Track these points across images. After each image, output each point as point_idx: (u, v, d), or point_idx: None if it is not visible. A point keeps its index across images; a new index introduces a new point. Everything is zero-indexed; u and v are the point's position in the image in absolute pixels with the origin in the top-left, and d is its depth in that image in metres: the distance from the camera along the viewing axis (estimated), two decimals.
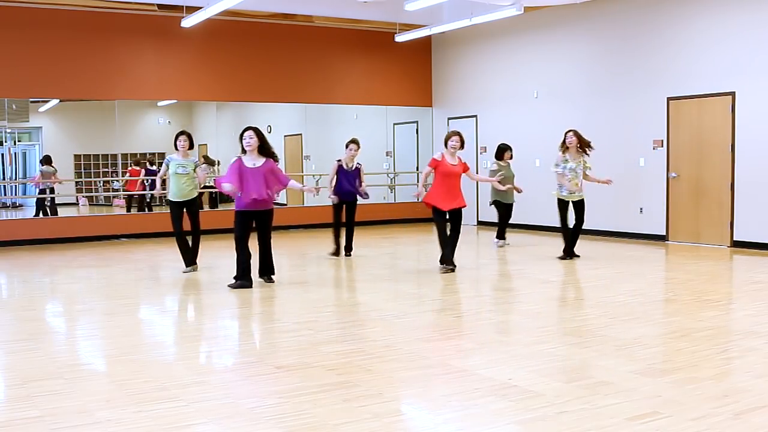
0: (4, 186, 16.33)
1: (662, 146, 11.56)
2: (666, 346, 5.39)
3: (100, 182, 15.65)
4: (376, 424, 3.68)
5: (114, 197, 15.84)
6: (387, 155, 16.41)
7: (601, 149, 12.58)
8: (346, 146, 10.24)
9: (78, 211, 15.65)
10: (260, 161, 7.70)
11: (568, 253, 9.78)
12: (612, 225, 12.42)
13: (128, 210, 15.16)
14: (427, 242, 12.63)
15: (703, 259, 9.75)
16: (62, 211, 15.10)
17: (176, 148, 8.92)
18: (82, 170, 16.52)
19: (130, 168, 14.96)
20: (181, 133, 9.02)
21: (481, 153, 14.93)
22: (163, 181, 9.12)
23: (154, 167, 14.61)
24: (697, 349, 5.10)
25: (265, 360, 5.08)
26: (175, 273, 9.03)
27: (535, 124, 13.69)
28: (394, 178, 16.32)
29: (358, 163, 10.23)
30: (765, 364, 4.75)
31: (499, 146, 11.43)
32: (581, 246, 11.17)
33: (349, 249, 10.31)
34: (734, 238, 10.66)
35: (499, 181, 10.52)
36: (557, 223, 10.06)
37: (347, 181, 10.07)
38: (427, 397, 4.25)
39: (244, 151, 7.73)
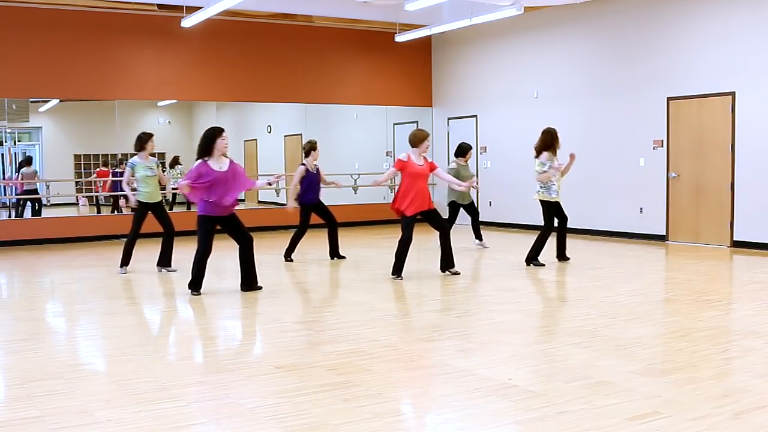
0: (4, 186, 16.33)
1: (662, 146, 11.56)
2: (666, 346, 5.39)
3: (99, 182, 15.63)
4: (376, 424, 3.68)
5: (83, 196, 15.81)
6: (387, 155, 16.41)
7: (601, 149, 12.61)
8: (313, 149, 9.85)
9: (78, 211, 15.66)
10: (225, 164, 7.35)
11: (537, 258, 9.18)
12: (612, 225, 12.41)
13: (98, 211, 15.15)
14: (427, 242, 12.63)
15: (703, 259, 9.74)
16: (62, 211, 15.11)
17: (143, 150, 8.87)
18: (82, 170, 16.52)
19: (98, 169, 14.96)
20: (151, 135, 9.00)
21: (481, 153, 14.94)
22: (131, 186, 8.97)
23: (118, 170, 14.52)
24: (697, 349, 5.10)
25: (265, 360, 5.08)
26: (174, 273, 9.02)
27: (535, 124, 13.63)
28: (394, 178, 16.30)
29: (315, 165, 9.92)
30: (765, 364, 4.75)
31: (462, 145, 11.08)
32: (580, 245, 11.17)
33: (335, 251, 10.04)
34: (734, 238, 10.66)
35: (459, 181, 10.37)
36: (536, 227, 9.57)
37: (315, 184, 9.81)
38: (427, 397, 4.25)
39: (209, 155, 7.30)
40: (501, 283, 8.37)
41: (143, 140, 8.91)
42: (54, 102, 15.16)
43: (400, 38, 14.28)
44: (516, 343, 5.44)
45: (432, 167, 8.26)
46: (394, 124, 16.40)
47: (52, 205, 15.70)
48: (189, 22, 12.03)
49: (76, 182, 16.24)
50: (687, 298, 7.04)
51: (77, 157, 16.45)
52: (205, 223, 7.34)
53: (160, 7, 12.59)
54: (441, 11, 13.62)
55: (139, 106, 15.28)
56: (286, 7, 13.51)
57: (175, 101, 15.21)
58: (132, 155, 9.14)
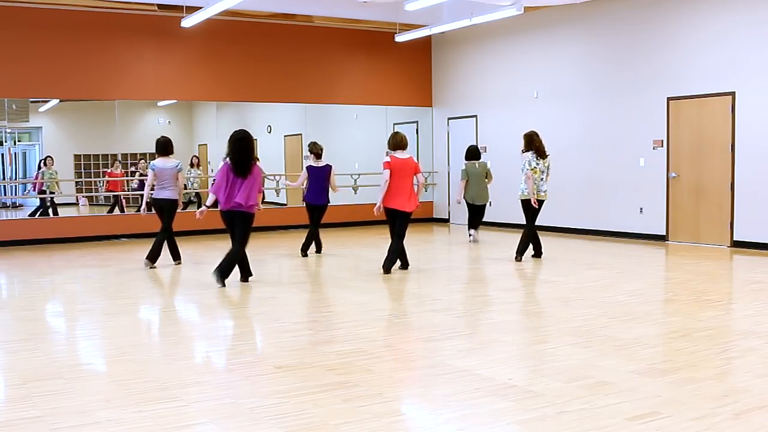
0: (4, 186, 16.33)
1: (662, 146, 11.56)
2: (666, 346, 5.39)
3: (99, 182, 15.65)
4: (376, 424, 3.68)
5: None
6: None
7: (601, 149, 12.61)
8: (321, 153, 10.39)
9: (78, 211, 15.65)
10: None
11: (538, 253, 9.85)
12: (612, 225, 12.41)
13: (111, 211, 15.20)
14: (426, 242, 12.65)
15: (703, 259, 9.74)
16: (62, 211, 15.12)
17: (168, 154, 9.31)
18: (82, 170, 16.53)
19: (114, 170, 15.00)
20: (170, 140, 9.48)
21: (481, 153, 14.92)
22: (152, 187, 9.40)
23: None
24: (697, 349, 5.10)
25: (265, 360, 5.08)
26: (174, 273, 9.03)
27: (535, 124, 13.66)
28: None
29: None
30: (765, 364, 4.75)
31: (476, 147, 12.08)
32: (580, 245, 11.18)
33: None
34: (734, 238, 10.67)
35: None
36: (525, 225, 9.97)
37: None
38: (427, 397, 4.25)
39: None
40: (501, 283, 8.37)
41: (169, 145, 9.44)
42: (54, 102, 15.16)
43: (400, 38, 14.28)
44: (516, 343, 5.44)
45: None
46: (394, 124, 16.39)
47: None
48: (189, 22, 12.03)
49: (76, 182, 16.24)
50: (687, 298, 7.03)
51: (77, 157, 16.44)
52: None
53: (160, 7, 12.59)
54: (441, 11, 13.60)
55: (139, 106, 15.29)
56: (286, 7, 13.51)
57: (175, 101, 15.21)
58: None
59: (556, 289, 7.93)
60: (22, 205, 16.46)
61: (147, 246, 9.49)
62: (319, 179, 10.19)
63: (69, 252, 11.50)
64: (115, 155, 14.88)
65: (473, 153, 11.85)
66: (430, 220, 16.17)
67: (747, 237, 10.52)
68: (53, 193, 14.66)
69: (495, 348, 5.28)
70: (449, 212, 15.89)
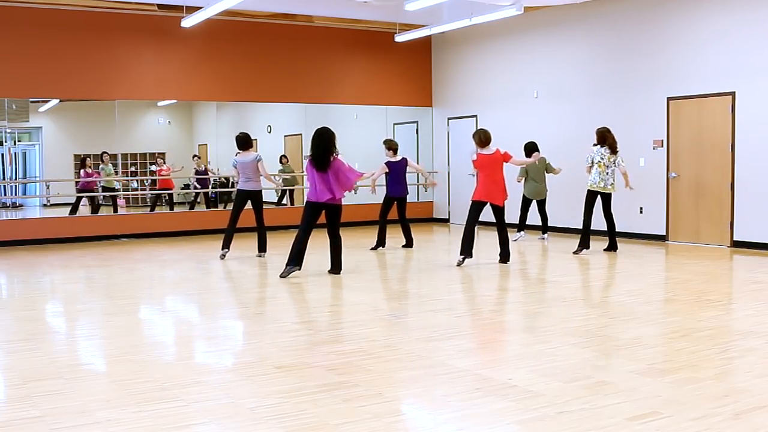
0: (4, 186, 16.33)
1: (662, 146, 11.56)
2: (666, 346, 5.39)
3: (100, 182, 15.63)
4: (376, 424, 3.68)
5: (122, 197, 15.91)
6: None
7: None
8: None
9: (78, 211, 15.66)
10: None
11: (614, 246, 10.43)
12: None
13: (152, 209, 15.42)
14: (427, 242, 12.64)
15: (703, 259, 9.75)
16: (61, 211, 15.13)
17: (248, 149, 9.91)
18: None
19: (163, 167, 15.11)
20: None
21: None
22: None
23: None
24: (697, 349, 5.10)
25: (265, 360, 5.08)
26: (174, 272, 9.03)
27: (535, 124, 13.69)
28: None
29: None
30: (765, 364, 4.75)
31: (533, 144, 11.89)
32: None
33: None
34: (734, 238, 10.66)
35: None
36: (580, 218, 10.55)
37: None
38: (427, 397, 4.25)
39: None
40: (501, 283, 8.37)
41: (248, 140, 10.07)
42: (54, 102, 15.16)
43: (400, 38, 14.28)
44: (516, 343, 5.44)
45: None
46: (394, 124, 16.40)
47: (52, 205, 15.71)
48: (189, 22, 12.03)
49: (76, 182, 16.23)
50: (687, 298, 7.04)
51: (77, 157, 16.44)
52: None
53: (160, 7, 12.59)
54: (441, 11, 13.60)
55: (139, 106, 15.29)
56: (286, 7, 13.51)
57: (175, 101, 15.21)
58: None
59: (556, 289, 7.93)
60: (22, 205, 16.47)
61: (147, 246, 9.51)
62: (400, 173, 10.88)
63: (69, 252, 11.50)
64: (126, 154, 14.93)
65: (533, 148, 11.67)
66: (430, 220, 16.17)
67: (747, 237, 10.52)
68: (111, 189, 14.74)
69: (495, 348, 5.28)
70: (449, 212, 15.89)
